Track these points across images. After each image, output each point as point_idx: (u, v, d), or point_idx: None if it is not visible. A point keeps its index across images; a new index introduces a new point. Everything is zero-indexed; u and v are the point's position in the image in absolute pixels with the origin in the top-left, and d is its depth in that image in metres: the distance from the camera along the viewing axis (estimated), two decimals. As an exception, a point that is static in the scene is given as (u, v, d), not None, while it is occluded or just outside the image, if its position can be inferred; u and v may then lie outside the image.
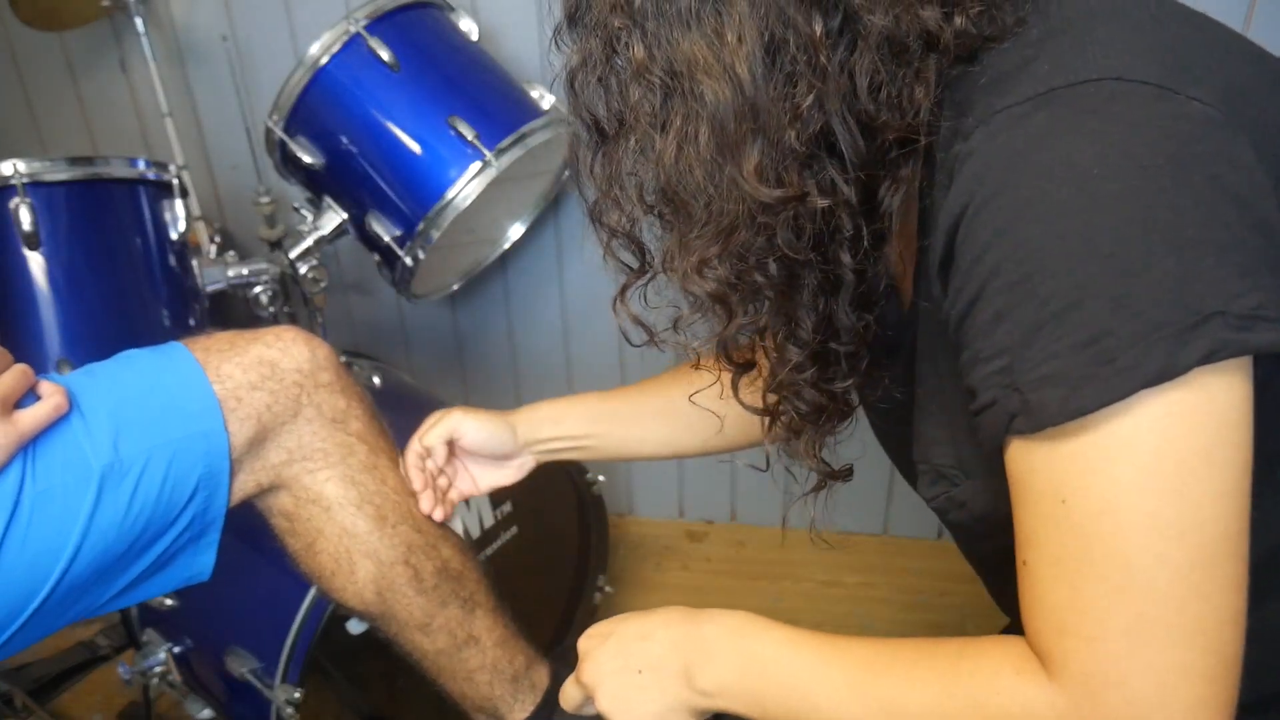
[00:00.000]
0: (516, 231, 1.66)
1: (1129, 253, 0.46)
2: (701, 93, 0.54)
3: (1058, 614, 0.51)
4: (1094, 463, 0.48)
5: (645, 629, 0.71)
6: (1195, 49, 0.53)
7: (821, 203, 0.55)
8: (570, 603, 1.58)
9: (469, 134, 1.34)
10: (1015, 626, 0.58)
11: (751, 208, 0.55)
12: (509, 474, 1.00)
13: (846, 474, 0.72)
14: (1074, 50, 0.51)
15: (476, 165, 1.34)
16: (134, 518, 0.77)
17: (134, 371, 0.83)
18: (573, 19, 0.61)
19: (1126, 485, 0.48)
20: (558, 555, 1.55)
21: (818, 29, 0.53)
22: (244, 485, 0.86)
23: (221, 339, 0.86)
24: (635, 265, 0.68)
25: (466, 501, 1.29)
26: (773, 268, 0.58)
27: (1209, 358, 0.45)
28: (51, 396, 0.75)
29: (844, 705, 0.59)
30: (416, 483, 0.96)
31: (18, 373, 0.75)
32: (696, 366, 0.71)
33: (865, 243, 0.58)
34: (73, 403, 0.77)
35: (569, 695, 0.75)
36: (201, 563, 0.86)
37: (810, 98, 0.53)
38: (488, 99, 1.42)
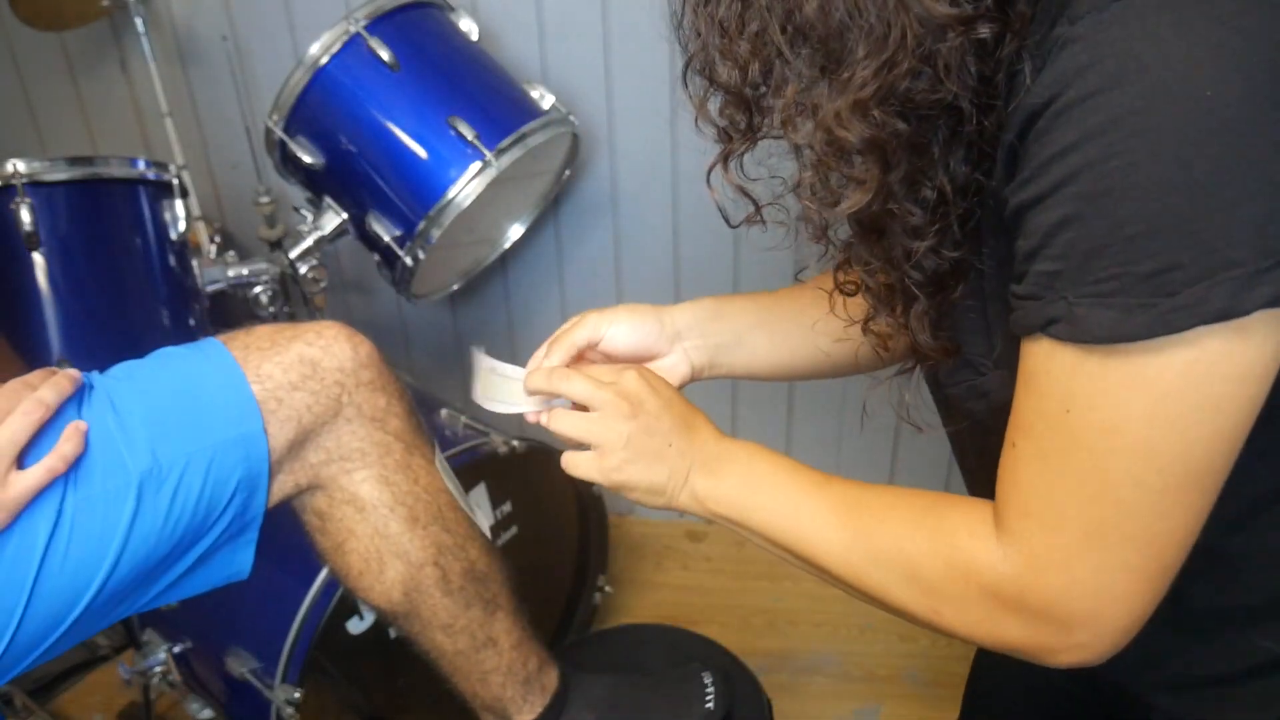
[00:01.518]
0: (516, 231, 1.66)
1: (1224, 187, 0.45)
2: None
3: (1027, 498, 0.55)
4: (1112, 387, 0.49)
5: (694, 421, 0.75)
6: None
7: (984, 30, 0.51)
8: (570, 603, 1.58)
9: (469, 134, 1.34)
10: None
11: (918, 34, 0.50)
12: None
13: (955, 351, 0.65)
14: None
15: (476, 165, 1.34)
16: (174, 522, 0.77)
17: (172, 373, 0.82)
18: None
19: (1134, 415, 0.49)
20: (558, 555, 1.55)
21: None
22: (283, 486, 0.85)
23: (261, 335, 0.85)
24: (736, 130, 0.61)
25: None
26: (916, 113, 0.53)
27: (1274, 302, 0.45)
28: (55, 451, 0.72)
29: (823, 528, 0.66)
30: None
31: (26, 417, 0.72)
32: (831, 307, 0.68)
33: (990, 91, 0.53)
34: (111, 407, 0.77)
35: (585, 384, 0.75)
36: (241, 560, 0.86)
37: None
38: (488, 99, 1.42)
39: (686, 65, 0.60)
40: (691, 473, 0.73)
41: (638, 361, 0.84)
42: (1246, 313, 0.45)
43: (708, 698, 1.00)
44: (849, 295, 0.69)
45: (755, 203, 0.64)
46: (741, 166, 0.63)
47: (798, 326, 0.85)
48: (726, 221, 0.66)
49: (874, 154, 0.54)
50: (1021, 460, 0.55)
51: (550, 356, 0.81)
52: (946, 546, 0.59)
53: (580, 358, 0.83)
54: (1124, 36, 0.46)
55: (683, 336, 0.84)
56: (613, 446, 0.73)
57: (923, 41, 0.50)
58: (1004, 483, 0.56)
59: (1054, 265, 0.50)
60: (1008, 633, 0.57)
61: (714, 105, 0.61)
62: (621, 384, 0.74)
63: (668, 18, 0.61)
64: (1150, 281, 0.46)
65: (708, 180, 0.64)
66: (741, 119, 0.60)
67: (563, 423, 0.75)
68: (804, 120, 0.55)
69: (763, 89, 0.58)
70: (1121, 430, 0.50)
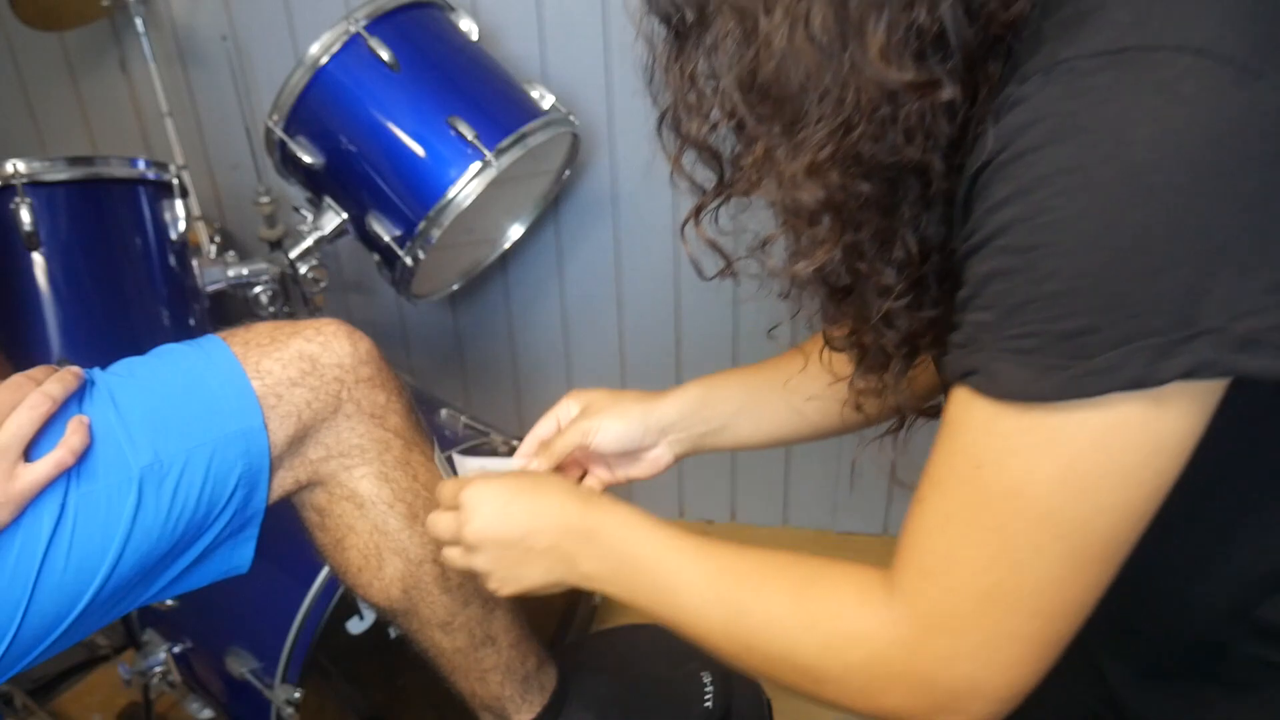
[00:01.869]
0: (516, 231, 1.66)
1: (1147, 253, 0.44)
2: None
3: (928, 556, 0.53)
4: (1022, 448, 0.48)
5: (543, 506, 0.73)
6: None
7: (946, 94, 0.50)
8: (570, 602, 1.58)
9: (469, 134, 1.34)
10: None
11: (874, 98, 0.50)
12: (643, 468, 0.90)
13: (935, 412, 0.66)
14: (1160, 1, 0.46)
15: (476, 165, 1.34)
16: (175, 518, 0.77)
17: (172, 369, 0.82)
18: None
19: (1041, 479, 0.48)
20: (558, 555, 1.55)
21: None
22: (283, 482, 0.85)
23: (261, 332, 0.85)
24: (706, 184, 0.62)
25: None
26: (880, 174, 0.53)
27: (1190, 374, 0.44)
28: (63, 444, 0.73)
29: (699, 603, 0.63)
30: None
31: (33, 410, 0.72)
32: (804, 365, 0.68)
33: (960, 152, 0.53)
34: (112, 403, 0.77)
35: (441, 525, 0.77)
36: (241, 555, 0.86)
37: None
38: (488, 99, 1.42)
39: (660, 120, 0.60)
40: (573, 556, 0.72)
41: (623, 458, 0.89)
42: (1161, 382, 0.44)
43: (706, 697, 1.01)
44: (838, 350, 0.68)
45: (727, 258, 0.64)
46: (716, 219, 0.63)
47: (785, 402, 0.87)
48: (699, 274, 0.65)
49: (832, 215, 0.54)
50: (927, 514, 0.53)
51: (539, 461, 0.87)
52: (828, 618, 0.57)
53: (570, 459, 0.89)
54: (1064, 95, 0.46)
55: (668, 431, 0.87)
56: (488, 574, 0.75)
57: (879, 106, 0.50)
58: (906, 537, 0.55)
59: (982, 316, 0.49)
60: (887, 700, 0.55)
61: (688, 159, 0.61)
62: (462, 532, 0.75)
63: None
64: (1068, 342, 0.45)
65: (681, 233, 0.64)
66: (713, 174, 0.61)
67: (450, 564, 0.78)
68: (770, 179, 0.55)
69: (733, 146, 0.58)
70: (1027, 492, 0.48)
